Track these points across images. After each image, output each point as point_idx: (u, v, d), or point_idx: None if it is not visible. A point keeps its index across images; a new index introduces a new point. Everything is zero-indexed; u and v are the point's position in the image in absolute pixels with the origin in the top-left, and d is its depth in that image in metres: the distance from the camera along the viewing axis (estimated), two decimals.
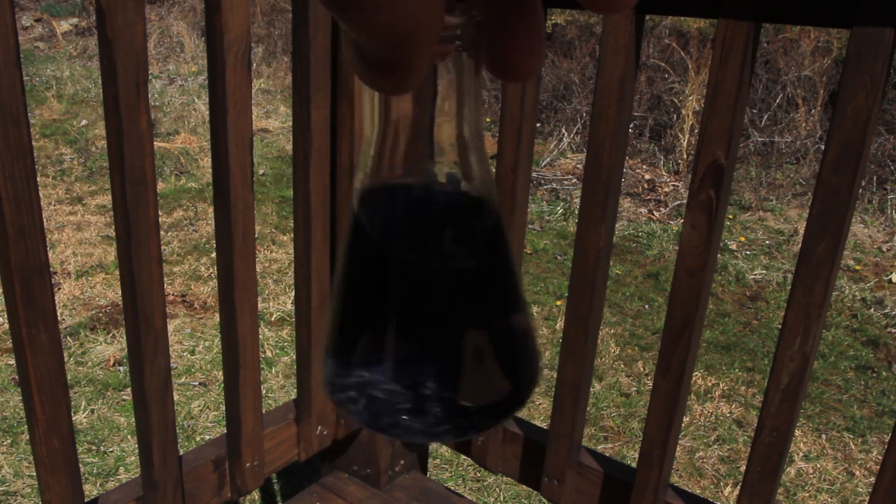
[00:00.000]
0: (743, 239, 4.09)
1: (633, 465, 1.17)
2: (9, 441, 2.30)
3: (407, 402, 0.31)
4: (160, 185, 4.47)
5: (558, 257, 3.83)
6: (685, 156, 4.97)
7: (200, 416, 2.48)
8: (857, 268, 3.77)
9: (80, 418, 2.41)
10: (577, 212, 2.43)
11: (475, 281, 0.32)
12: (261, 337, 2.94)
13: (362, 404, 0.32)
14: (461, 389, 0.32)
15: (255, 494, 2.16)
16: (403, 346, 0.31)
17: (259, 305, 1.41)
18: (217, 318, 3.06)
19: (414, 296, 0.31)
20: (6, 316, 0.94)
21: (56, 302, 0.95)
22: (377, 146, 0.31)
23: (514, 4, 0.27)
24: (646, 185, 4.76)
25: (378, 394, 0.31)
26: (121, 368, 2.70)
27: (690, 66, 5.21)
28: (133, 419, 1.14)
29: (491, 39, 0.27)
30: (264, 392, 2.59)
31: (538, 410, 2.60)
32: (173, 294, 3.27)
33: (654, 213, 4.42)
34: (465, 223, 0.32)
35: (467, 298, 0.32)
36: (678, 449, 2.42)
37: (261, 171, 4.83)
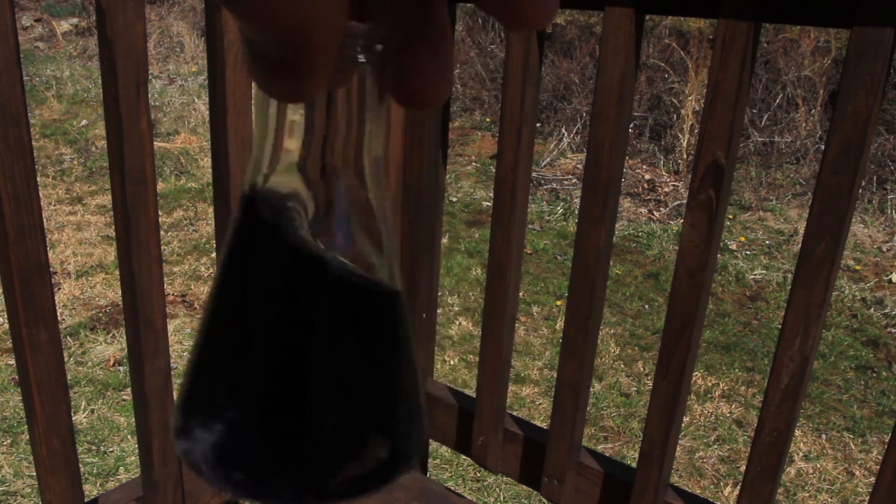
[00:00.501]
0: (743, 239, 4.10)
1: (633, 465, 1.17)
2: (9, 441, 2.30)
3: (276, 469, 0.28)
4: (160, 185, 4.47)
5: (558, 257, 3.83)
6: (685, 156, 4.97)
7: None
8: (857, 268, 3.77)
9: (80, 418, 2.41)
10: (577, 212, 2.43)
11: (354, 348, 0.29)
12: None
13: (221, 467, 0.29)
14: (325, 460, 0.29)
15: None
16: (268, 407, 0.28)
17: None
18: None
19: (284, 360, 0.28)
20: (6, 316, 0.94)
21: (56, 302, 0.95)
22: (264, 167, 0.28)
23: (421, 27, 0.25)
24: (646, 185, 4.76)
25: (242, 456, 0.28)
26: (121, 368, 2.70)
27: (690, 66, 5.21)
28: (133, 419, 1.14)
29: (397, 63, 0.25)
30: None
31: (538, 410, 2.60)
32: (173, 294, 3.27)
33: (654, 213, 4.42)
34: (346, 285, 0.29)
35: (346, 365, 0.29)
36: (678, 449, 2.42)
37: None
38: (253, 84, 0.28)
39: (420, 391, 0.32)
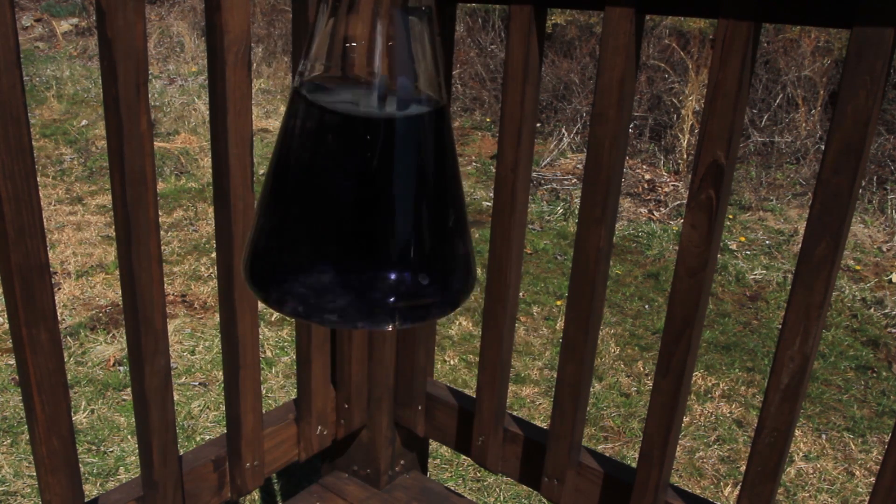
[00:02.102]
0: (743, 239, 4.09)
1: (633, 465, 1.17)
2: (9, 441, 2.30)
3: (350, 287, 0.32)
4: (160, 185, 4.47)
5: (558, 257, 3.83)
6: (685, 156, 4.97)
7: (200, 416, 2.48)
8: (857, 268, 3.77)
9: (80, 418, 2.41)
10: (577, 212, 2.43)
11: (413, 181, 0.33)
12: (261, 337, 2.94)
13: (318, 296, 0.32)
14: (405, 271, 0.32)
15: (255, 494, 2.16)
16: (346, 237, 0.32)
17: (259, 305, 1.41)
18: (217, 318, 3.06)
19: (355, 194, 0.32)
20: (6, 316, 0.94)
21: (56, 302, 0.95)
22: (328, 32, 0.32)
23: None
24: (646, 185, 4.76)
25: (329, 284, 0.32)
26: (121, 368, 2.70)
27: (690, 66, 5.21)
28: (133, 419, 1.14)
29: None
30: (264, 392, 2.59)
31: (538, 410, 2.60)
32: (173, 294, 3.27)
33: (654, 213, 4.42)
34: (408, 130, 0.33)
35: (415, 195, 0.33)
36: (678, 449, 2.42)
37: (261, 171, 4.83)
38: None
39: (467, 229, 0.36)
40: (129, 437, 2.34)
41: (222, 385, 2.33)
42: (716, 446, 2.47)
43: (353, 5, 0.31)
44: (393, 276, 0.32)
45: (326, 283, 0.32)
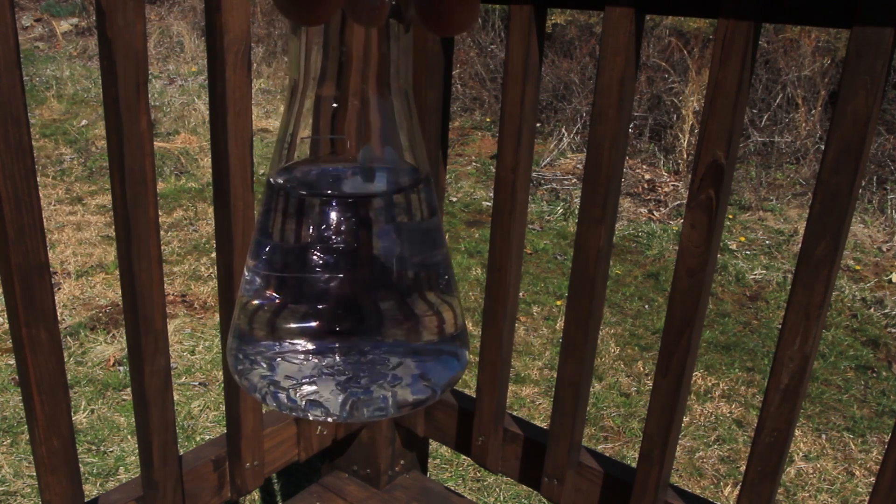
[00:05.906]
0: (743, 239, 4.09)
1: (633, 465, 1.17)
2: (9, 441, 2.30)
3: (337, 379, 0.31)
4: (160, 185, 4.47)
5: (558, 257, 3.83)
6: (685, 156, 4.97)
7: (200, 416, 2.48)
8: (857, 268, 3.77)
9: (80, 418, 2.41)
10: (577, 212, 2.43)
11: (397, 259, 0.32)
12: None
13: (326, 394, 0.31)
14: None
15: (255, 494, 2.16)
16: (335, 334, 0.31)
17: None
18: (217, 318, 3.06)
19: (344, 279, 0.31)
20: (6, 316, 0.94)
21: (56, 302, 0.95)
22: (300, 104, 0.31)
23: None
24: (646, 185, 4.76)
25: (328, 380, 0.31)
26: (121, 368, 2.70)
27: (690, 66, 5.21)
28: (133, 419, 1.14)
29: None
30: None
31: (538, 410, 2.60)
32: (173, 294, 3.27)
33: (654, 213, 4.42)
34: (390, 203, 0.32)
35: (399, 277, 0.32)
36: (678, 449, 2.42)
37: (261, 171, 4.83)
38: (288, 30, 0.30)
39: (459, 309, 0.35)
40: (129, 437, 2.34)
41: (222, 385, 2.33)
42: (716, 446, 2.47)
43: (334, 86, 0.30)
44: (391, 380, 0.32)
45: (323, 383, 0.31)
